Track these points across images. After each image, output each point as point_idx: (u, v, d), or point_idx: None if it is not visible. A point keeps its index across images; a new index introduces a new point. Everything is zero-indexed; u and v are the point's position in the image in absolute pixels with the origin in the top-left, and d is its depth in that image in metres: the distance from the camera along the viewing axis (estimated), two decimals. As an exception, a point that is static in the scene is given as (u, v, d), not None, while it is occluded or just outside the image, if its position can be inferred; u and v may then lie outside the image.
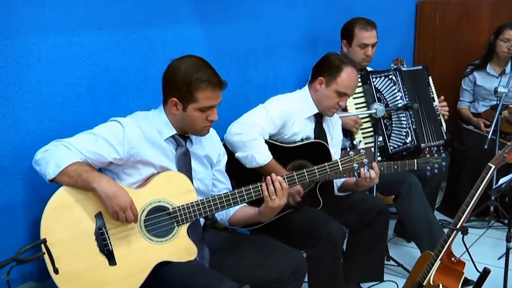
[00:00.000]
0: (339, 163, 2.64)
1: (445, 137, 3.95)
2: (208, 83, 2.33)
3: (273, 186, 2.44)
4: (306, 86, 3.17)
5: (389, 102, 3.71)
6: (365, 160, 2.69)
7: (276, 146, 2.97)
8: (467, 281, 2.90)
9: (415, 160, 3.14)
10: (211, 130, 2.59)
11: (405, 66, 4.07)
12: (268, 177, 2.45)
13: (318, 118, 3.17)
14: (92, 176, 2.20)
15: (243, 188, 2.45)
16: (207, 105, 2.37)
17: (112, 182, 2.25)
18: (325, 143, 3.10)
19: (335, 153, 3.22)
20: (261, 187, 2.44)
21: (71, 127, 2.39)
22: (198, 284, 2.23)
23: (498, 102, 4.01)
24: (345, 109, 3.58)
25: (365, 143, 3.59)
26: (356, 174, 2.76)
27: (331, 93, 3.05)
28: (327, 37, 3.79)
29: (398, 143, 3.75)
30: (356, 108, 3.66)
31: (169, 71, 2.40)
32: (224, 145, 2.86)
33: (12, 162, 2.40)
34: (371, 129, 3.66)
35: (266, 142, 2.95)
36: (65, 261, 2.14)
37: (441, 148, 3.21)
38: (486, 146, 3.83)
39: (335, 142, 3.29)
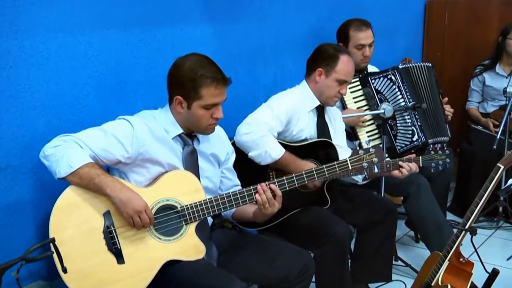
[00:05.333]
0: (349, 162, 2.62)
1: (449, 135, 3.94)
2: (212, 79, 2.33)
3: (265, 195, 2.44)
4: (304, 81, 3.18)
5: (391, 102, 3.70)
6: (375, 159, 2.66)
7: (283, 146, 2.97)
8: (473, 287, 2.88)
9: (420, 157, 3.13)
10: (218, 128, 2.60)
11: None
12: (259, 187, 2.44)
13: (320, 111, 3.18)
14: (105, 181, 2.21)
15: (251, 187, 2.45)
16: (212, 102, 2.36)
17: (125, 187, 2.25)
18: (331, 141, 3.10)
19: (341, 144, 3.24)
20: (257, 191, 2.44)
21: (80, 127, 2.39)
22: (208, 284, 2.24)
23: (507, 102, 3.99)
24: (343, 105, 3.58)
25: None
26: (365, 173, 2.74)
27: (331, 83, 3.06)
28: (335, 36, 3.79)
29: (405, 142, 3.74)
30: (355, 103, 3.65)
31: (174, 68, 2.40)
32: (234, 145, 2.86)
33: (21, 161, 2.41)
34: (376, 131, 3.65)
35: (274, 141, 2.95)
36: (74, 260, 2.15)
37: (444, 145, 3.19)
38: (495, 146, 3.81)
39: (338, 133, 3.30)
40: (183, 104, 2.38)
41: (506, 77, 4.46)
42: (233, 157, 2.73)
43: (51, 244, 1.90)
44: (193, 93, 2.34)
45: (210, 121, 2.41)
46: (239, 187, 2.72)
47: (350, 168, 2.63)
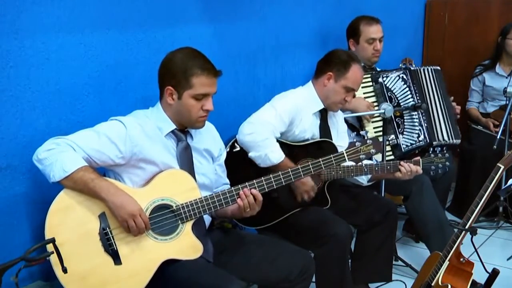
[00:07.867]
0: (345, 154, 2.62)
1: (460, 137, 3.95)
2: (203, 69, 2.36)
3: (247, 200, 2.43)
4: (310, 82, 3.18)
5: (400, 101, 3.71)
6: (373, 151, 2.65)
7: (285, 145, 2.97)
8: (475, 284, 2.88)
9: (420, 159, 3.13)
10: (210, 125, 2.63)
11: (414, 65, 4.07)
12: (241, 193, 2.42)
13: (323, 114, 3.18)
14: (100, 185, 2.20)
15: (247, 183, 2.46)
16: (202, 91, 2.37)
17: (120, 191, 2.24)
18: (332, 141, 3.11)
19: (344, 144, 3.22)
20: (240, 196, 2.43)
21: (80, 127, 2.39)
22: (206, 283, 2.24)
23: (507, 102, 3.99)
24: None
25: None
26: (365, 170, 2.73)
27: (339, 88, 3.06)
28: (335, 36, 3.79)
29: (411, 141, 3.75)
30: (365, 98, 3.66)
31: (165, 61, 2.43)
32: (236, 143, 2.88)
33: (21, 161, 2.41)
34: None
35: (276, 141, 2.95)
36: (71, 262, 2.13)
37: (444, 148, 3.19)
38: (495, 146, 3.81)
39: (341, 135, 3.30)
40: (174, 95, 2.39)
41: (506, 77, 4.46)
42: (224, 153, 2.74)
43: (51, 244, 1.90)
44: (184, 81, 2.35)
45: (201, 113, 2.42)
46: (228, 186, 2.74)
47: (347, 160, 2.63)
